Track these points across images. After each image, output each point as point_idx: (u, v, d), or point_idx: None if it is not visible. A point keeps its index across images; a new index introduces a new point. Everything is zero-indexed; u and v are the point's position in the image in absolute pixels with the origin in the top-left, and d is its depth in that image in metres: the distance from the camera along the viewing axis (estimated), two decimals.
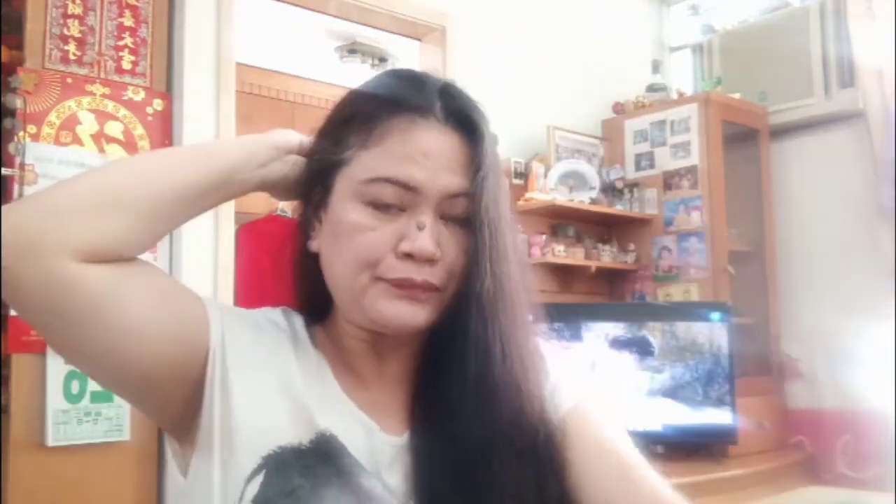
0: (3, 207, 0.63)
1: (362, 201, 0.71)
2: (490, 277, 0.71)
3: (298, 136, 0.78)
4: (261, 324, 0.77)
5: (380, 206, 0.71)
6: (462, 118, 0.73)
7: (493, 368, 0.71)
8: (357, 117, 0.73)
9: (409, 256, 0.69)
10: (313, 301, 0.79)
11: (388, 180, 0.70)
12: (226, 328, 0.72)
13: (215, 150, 0.75)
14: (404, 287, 0.70)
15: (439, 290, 0.72)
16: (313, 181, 0.76)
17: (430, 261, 0.70)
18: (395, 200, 0.70)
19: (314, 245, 0.76)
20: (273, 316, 0.79)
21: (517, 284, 0.74)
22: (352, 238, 0.71)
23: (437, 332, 0.74)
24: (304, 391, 0.73)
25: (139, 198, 0.67)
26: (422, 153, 0.70)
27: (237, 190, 0.74)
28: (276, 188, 0.77)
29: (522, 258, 0.78)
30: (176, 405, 0.71)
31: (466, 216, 0.71)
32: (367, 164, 0.71)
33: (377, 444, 0.73)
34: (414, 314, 0.71)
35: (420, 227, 0.70)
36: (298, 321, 0.80)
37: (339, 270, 0.73)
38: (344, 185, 0.73)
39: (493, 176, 0.72)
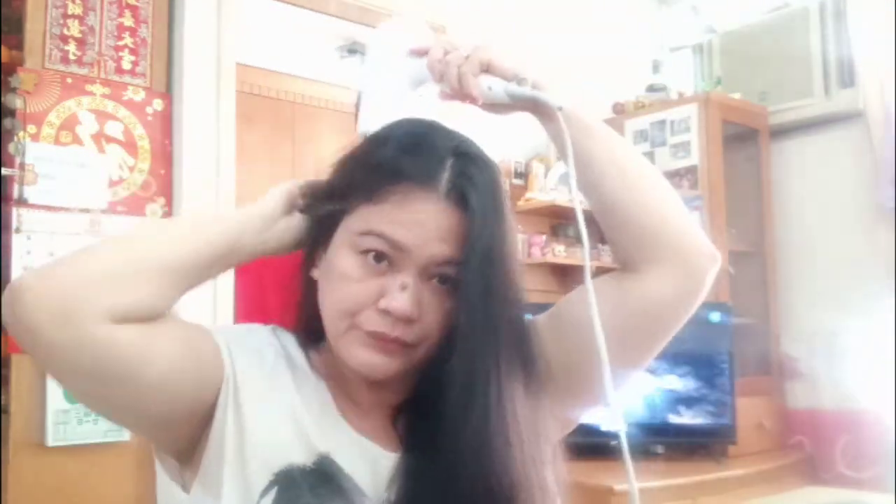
0: (29, 275, 0.67)
1: (355, 251, 0.75)
2: (475, 340, 0.73)
3: (291, 188, 0.83)
4: (260, 348, 0.80)
5: (369, 259, 0.74)
6: (463, 193, 0.75)
7: (485, 422, 0.73)
8: (364, 175, 0.77)
9: (386, 312, 0.73)
10: (313, 325, 0.82)
11: (380, 235, 0.73)
12: (234, 357, 0.77)
13: (222, 218, 0.81)
14: (377, 339, 0.74)
15: (411, 347, 0.75)
16: (321, 221, 0.80)
17: (407, 320, 0.73)
18: (385, 255, 0.74)
19: (315, 274, 0.80)
20: (266, 337, 0.82)
21: (506, 347, 0.75)
22: (339, 285, 0.75)
23: (431, 365, 0.77)
24: (304, 414, 0.76)
25: (164, 264, 0.72)
26: (416, 222, 0.73)
27: (244, 256, 0.80)
28: (276, 253, 0.81)
29: (518, 317, 0.79)
30: (187, 434, 0.75)
31: (455, 279, 0.74)
32: (365, 217, 0.75)
33: (377, 465, 0.76)
34: (385, 364, 0.75)
35: (403, 288, 0.73)
36: (290, 343, 0.83)
37: (326, 310, 0.78)
38: (343, 231, 0.76)
39: (485, 247, 0.74)
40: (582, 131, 0.79)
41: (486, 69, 0.79)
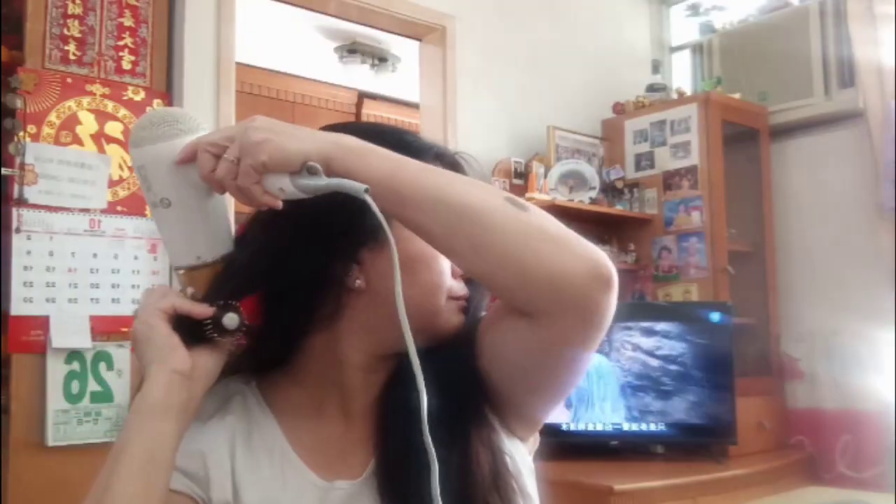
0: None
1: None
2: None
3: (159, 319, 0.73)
4: (213, 450, 0.78)
5: None
6: (457, 163, 0.84)
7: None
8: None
9: (460, 276, 0.81)
10: (278, 351, 0.82)
11: None
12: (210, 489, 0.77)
13: (154, 457, 0.70)
14: (463, 301, 0.82)
15: None
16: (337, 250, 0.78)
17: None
18: None
19: (358, 283, 0.78)
20: (214, 431, 0.79)
21: None
22: (430, 266, 0.78)
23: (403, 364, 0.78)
24: (270, 481, 0.78)
25: None
26: None
27: (188, 418, 0.73)
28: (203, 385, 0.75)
29: None
30: None
31: None
32: None
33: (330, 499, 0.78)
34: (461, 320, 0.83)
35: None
36: (249, 389, 0.83)
37: (420, 295, 0.77)
38: (372, 230, 0.74)
39: None
40: (401, 204, 0.68)
41: (266, 170, 0.67)
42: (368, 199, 0.66)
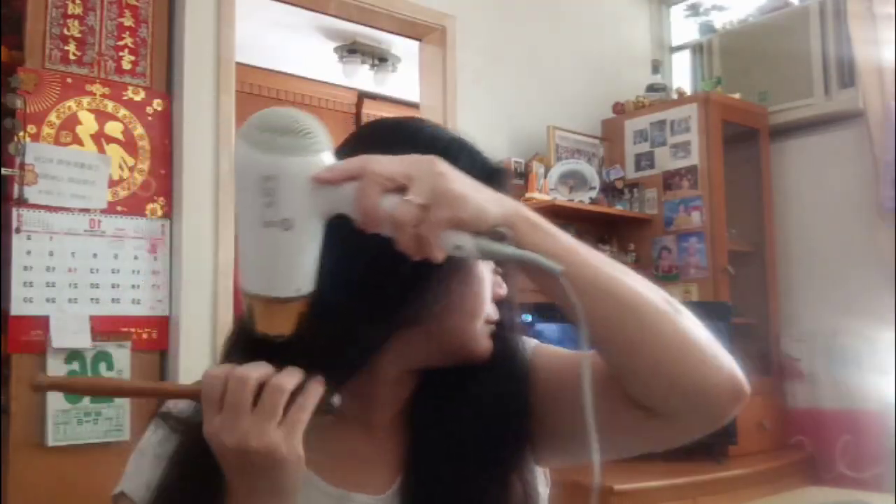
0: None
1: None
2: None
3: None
4: None
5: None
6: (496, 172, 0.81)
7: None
8: None
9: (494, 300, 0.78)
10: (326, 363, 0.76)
11: None
12: None
13: None
14: (493, 324, 0.79)
15: None
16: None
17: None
18: None
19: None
20: None
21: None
22: (479, 288, 0.76)
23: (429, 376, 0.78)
24: None
25: None
26: None
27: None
28: None
29: None
30: None
31: None
32: None
33: None
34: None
35: (497, 273, 0.79)
36: None
37: (456, 321, 0.75)
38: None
39: None
40: (589, 291, 0.64)
41: (459, 227, 0.60)
42: (565, 281, 0.62)
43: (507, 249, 0.62)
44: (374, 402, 0.78)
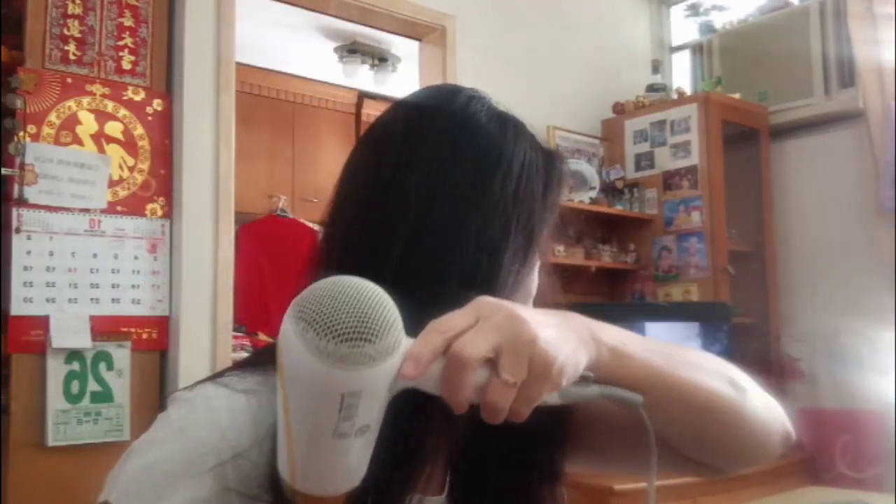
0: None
1: None
2: None
3: None
4: None
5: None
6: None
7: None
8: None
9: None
10: None
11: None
12: None
13: None
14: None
15: None
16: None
17: None
18: None
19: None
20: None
21: None
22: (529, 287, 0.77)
23: None
24: None
25: None
26: None
27: None
28: None
29: None
30: None
31: None
32: None
33: None
34: None
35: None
36: None
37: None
38: None
39: None
40: (665, 403, 0.64)
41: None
42: (643, 412, 0.61)
43: (592, 391, 0.59)
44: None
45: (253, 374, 0.65)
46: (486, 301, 0.54)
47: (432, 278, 0.63)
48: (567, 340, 0.55)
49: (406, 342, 0.51)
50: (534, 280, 0.72)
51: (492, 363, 0.51)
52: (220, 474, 0.59)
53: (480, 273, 0.64)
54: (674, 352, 0.67)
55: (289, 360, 0.49)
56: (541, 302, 0.75)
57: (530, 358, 0.52)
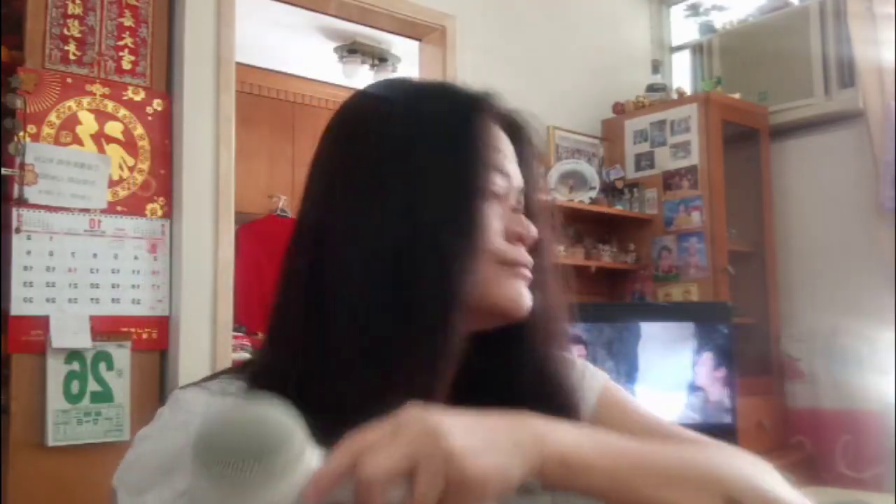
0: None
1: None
2: (552, 268, 0.74)
3: None
4: None
5: (490, 198, 0.70)
6: (512, 120, 0.77)
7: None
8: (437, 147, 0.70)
9: (519, 240, 0.70)
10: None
11: (501, 171, 0.70)
12: None
13: None
14: (522, 266, 0.70)
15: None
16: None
17: (529, 246, 0.72)
18: (503, 192, 0.71)
19: None
20: None
21: (562, 299, 0.76)
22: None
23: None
24: None
25: None
26: (503, 148, 0.72)
27: None
28: None
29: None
30: None
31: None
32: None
33: None
34: (528, 294, 0.70)
35: (517, 212, 0.71)
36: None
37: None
38: None
39: (542, 175, 0.76)
40: None
41: None
42: None
43: (543, 500, 0.56)
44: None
45: (239, 380, 0.67)
46: (408, 412, 0.51)
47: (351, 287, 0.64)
48: (497, 449, 0.52)
49: (313, 458, 0.49)
50: (500, 226, 0.69)
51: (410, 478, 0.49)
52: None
53: (425, 263, 0.63)
54: (653, 456, 0.60)
55: (193, 485, 0.49)
56: (552, 287, 0.74)
57: (446, 472, 0.49)
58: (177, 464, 0.61)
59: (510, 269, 0.69)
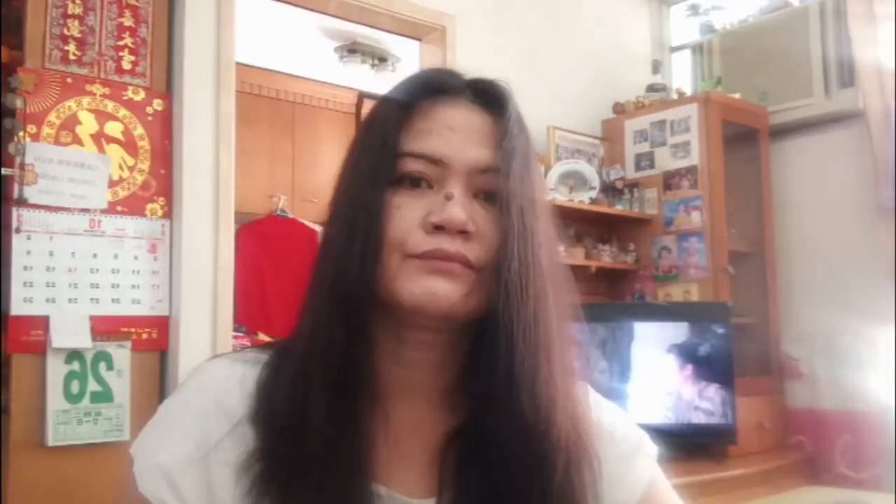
0: None
1: (391, 186, 0.66)
2: (518, 260, 0.64)
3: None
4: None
5: (405, 186, 0.65)
6: (492, 97, 0.70)
7: (526, 383, 0.64)
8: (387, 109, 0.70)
9: (439, 229, 0.63)
10: None
11: (410, 154, 0.65)
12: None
13: None
14: (437, 259, 0.63)
15: (474, 269, 0.64)
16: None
17: (462, 233, 0.63)
18: (422, 176, 0.66)
19: None
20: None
21: (550, 276, 0.67)
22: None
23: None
24: None
25: None
26: (448, 127, 0.67)
27: None
28: None
29: (555, 248, 0.72)
30: None
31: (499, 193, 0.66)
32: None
33: None
34: (448, 291, 0.63)
35: (448, 198, 0.64)
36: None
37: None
38: None
39: (522, 154, 0.67)
40: None
41: None
42: None
43: None
44: (384, 382, 0.68)
45: (262, 353, 0.71)
46: None
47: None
48: None
49: None
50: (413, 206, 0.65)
51: None
52: (208, 438, 0.64)
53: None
54: None
55: None
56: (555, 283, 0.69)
57: None
58: (194, 422, 0.65)
59: (418, 261, 0.63)
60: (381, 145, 0.66)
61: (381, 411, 0.67)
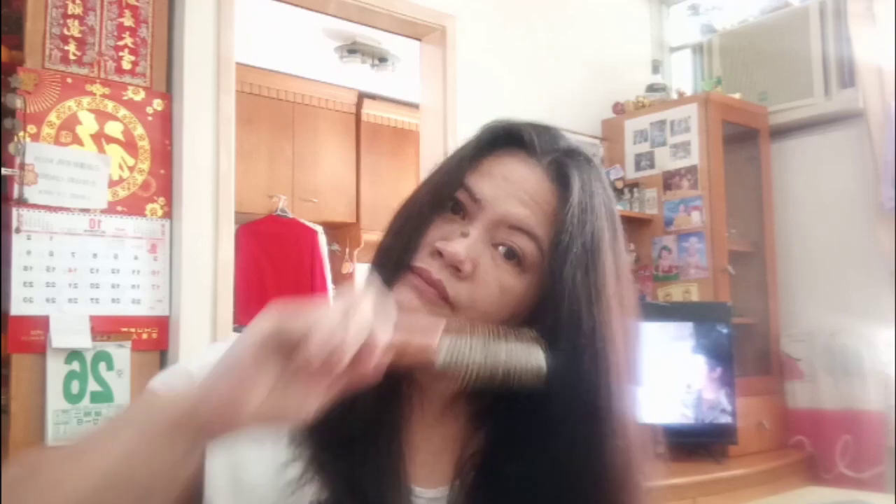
0: None
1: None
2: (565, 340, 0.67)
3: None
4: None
5: (447, 209, 0.71)
6: (560, 167, 0.71)
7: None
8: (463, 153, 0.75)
9: (437, 254, 0.68)
10: None
11: (465, 187, 0.70)
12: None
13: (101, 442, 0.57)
14: (420, 277, 0.67)
15: (450, 305, 0.67)
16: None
17: (455, 268, 0.67)
18: (462, 206, 0.70)
19: None
20: None
21: (617, 366, 0.70)
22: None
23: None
24: None
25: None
26: (504, 177, 0.70)
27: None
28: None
29: (629, 347, 0.72)
30: None
31: (529, 260, 0.69)
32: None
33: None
34: (415, 307, 0.67)
35: (463, 235, 0.68)
36: None
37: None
38: None
39: (584, 239, 0.69)
40: None
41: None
42: None
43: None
44: (421, 388, 0.73)
45: None
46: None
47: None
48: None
49: None
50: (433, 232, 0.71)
51: None
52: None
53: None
54: None
55: None
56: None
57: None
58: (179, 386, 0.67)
59: (409, 273, 0.68)
60: (449, 172, 0.73)
61: (417, 400, 0.73)
